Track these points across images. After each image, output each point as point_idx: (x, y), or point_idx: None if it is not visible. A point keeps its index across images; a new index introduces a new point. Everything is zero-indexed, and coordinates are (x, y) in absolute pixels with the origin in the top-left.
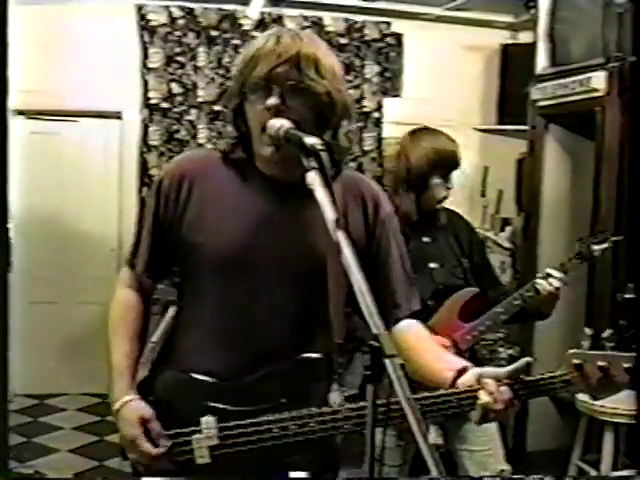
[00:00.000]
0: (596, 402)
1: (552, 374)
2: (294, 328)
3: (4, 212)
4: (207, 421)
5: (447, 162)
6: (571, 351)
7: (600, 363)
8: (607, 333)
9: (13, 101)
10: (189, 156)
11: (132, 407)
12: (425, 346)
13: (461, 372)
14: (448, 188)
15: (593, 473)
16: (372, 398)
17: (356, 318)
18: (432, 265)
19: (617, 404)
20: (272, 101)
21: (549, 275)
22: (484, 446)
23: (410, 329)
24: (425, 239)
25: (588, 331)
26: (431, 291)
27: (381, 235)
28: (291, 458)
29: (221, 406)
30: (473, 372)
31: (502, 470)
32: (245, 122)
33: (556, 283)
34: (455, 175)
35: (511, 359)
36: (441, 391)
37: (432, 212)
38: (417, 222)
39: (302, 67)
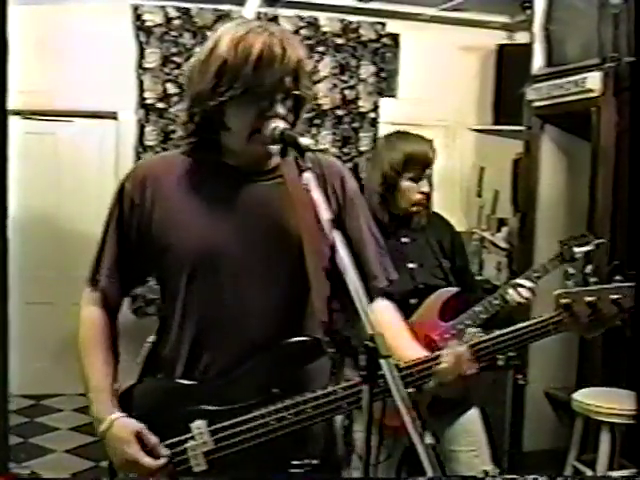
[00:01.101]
0: (592, 402)
1: (543, 317)
2: (276, 316)
3: (4, 212)
4: (198, 426)
5: (417, 163)
6: (558, 291)
7: (588, 299)
8: (589, 269)
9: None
10: (149, 160)
11: (122, 424)
12: (394, 332)
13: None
14: (421, 192)
15: (589, 473)
16: (368, 398)
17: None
18: (411, 265)
19: (613, 404)
20: (279, 110)
21: (519, 285)
22: (470, 447)
23: (384, 312)
24: (404, 240)
25: (571, 270)
26: (411, 289)
27: (350, 211)
28: (295, 455)
29: (211, 408)
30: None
31: (486, 471)
32: (221, 120)
33: (525, 293)
34: (429, 176)
35: (507, 358)
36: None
37: (408, 214)
38: (393, 224)
39: (300, 76)
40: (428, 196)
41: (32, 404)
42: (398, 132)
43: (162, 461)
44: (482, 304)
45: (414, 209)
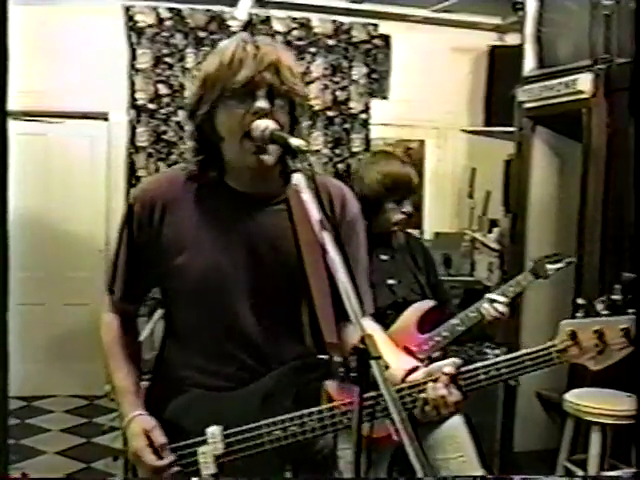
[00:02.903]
0: (583, 402)
1: (546, 345)
2: (283, 335)
3: (3, 213)
4: (212, 431)
5: (401, 187)
6: (565, 321)
7: (595, 328)
8: (600, 301)
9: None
10: (156, 180)
11: (138, 421)
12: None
13: (411, 371)
14: (403, 212)
15: (580, 473)
16: (359, 400)
17: None
18: (390, 281)
19: (604, 405)
20: (261, 104)
21: (494, 300)
22: (457, 453)
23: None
24: (383, 257)
25: (581, 301)
26: (390, 302)
27: (347, 235)
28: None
29: (228, 417)
30: (423, 370)
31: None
32: (214, 131)
33: (501, 308)
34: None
35: None
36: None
37: (387, 233)
38: (374, 242)
39: (282, 71)
40: (409, 216)
41: (23, 405)
42: (383, 152)
43: (163, 462)
44: (459, 317)
45: (394, 228)
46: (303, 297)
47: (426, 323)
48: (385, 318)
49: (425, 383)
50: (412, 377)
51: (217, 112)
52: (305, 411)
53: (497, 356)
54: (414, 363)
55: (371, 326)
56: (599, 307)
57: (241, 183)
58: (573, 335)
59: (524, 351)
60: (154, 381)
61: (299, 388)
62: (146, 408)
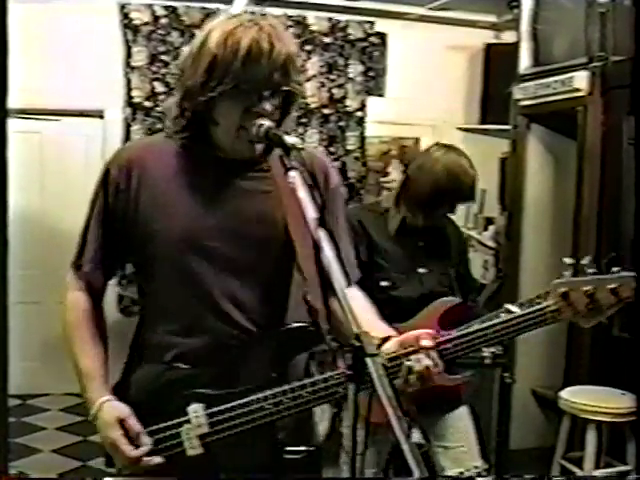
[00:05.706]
0: (578, 400)
1: (540, 306)
2: (268, 301)
3: (3, 213)
4: (195, 409)
5: (464, 190)
6: (556, 281)
7: (585, 288)
8: (586, 260)
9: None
10: (134, 144)
11: (108, 408)
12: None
13: (385, 340)
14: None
15: (576, 471)
16: (353, 396)
17: None
18: (421, 270)
19: (600, 402)
20: (266, 106)
21: (508, 311)
22: (458, 442)
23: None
24: (420, 243)
25: (568, 260)
26: (418, 295)
27: (332, 206)
28: (279, 435)
29: (208, 392)
30: (395, 340)
31: (476, 467)
32: (210, 115)
33: None
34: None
35: (494, 357)
36: None
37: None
38: (419, 229)
39: (289, 71)
40: None
41: (19, 404)
42: (452, 149)
43: (141, 451)
44: (482, 319)
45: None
46: (290, 263)
47: (448, 319)
48: (413, 314)
49: (407, 355)
50: (385, 347)
51: (218, 100)
52: (297, 383)
53: (492, 353)
54: (388, 332)
55: (355, 293)
56: (585, 265)
57: (224, 152)
58: (565, 295)
59: (518, 313)
60: (130, 363)
61: (287, 356)
62: (120, 388)
